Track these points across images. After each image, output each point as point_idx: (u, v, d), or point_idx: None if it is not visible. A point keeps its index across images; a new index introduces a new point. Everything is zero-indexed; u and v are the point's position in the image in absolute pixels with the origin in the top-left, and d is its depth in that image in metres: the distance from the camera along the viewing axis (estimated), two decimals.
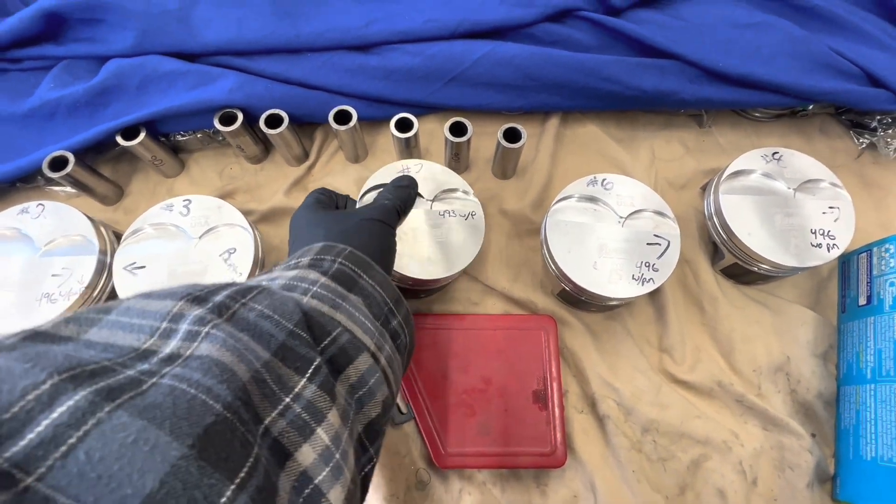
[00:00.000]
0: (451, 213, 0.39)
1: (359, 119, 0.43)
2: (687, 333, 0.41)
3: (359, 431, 0.20)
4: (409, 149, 0.44)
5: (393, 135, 0.43)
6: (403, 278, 0.37)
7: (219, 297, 0.18)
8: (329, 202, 0.33)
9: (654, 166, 0.47)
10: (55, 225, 0.38)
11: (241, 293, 0.18)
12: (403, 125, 0.42)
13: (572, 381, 0.40)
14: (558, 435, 0.37)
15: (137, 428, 0.12)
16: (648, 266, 0.37)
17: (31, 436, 0.11)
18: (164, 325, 0.16)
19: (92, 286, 0.37)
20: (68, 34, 0.46)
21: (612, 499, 0.36)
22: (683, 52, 0.43)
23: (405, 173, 0.35)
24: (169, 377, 0.14)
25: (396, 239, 0.31)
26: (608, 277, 0.36)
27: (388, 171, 0.40)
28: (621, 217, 0.38)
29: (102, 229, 0.39)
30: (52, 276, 0.36)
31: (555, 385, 0.39)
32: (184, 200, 0.39)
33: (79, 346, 0.14)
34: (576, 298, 0.40)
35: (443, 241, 0.38)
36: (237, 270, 0.37)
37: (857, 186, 0.47)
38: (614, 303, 0.38)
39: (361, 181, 0.45)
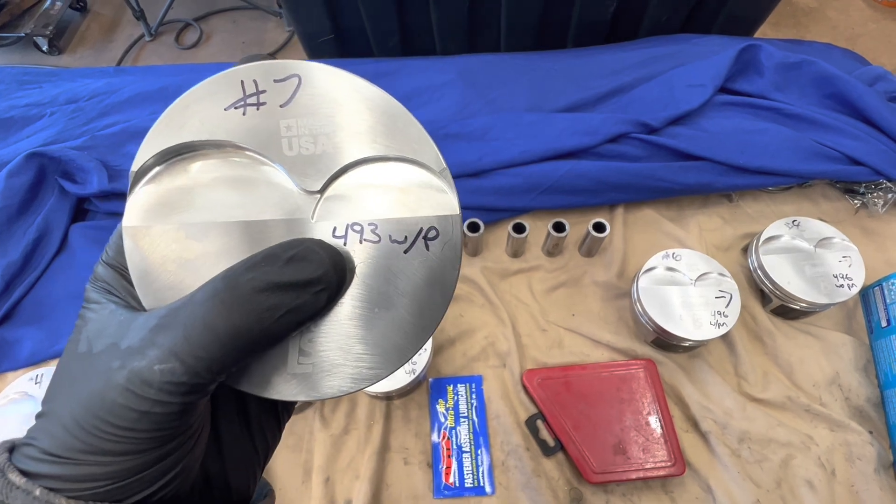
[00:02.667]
0: (373, 233, 0.18)
1: None
2: (755, 362, 0.54)
3: None
4: (519, 244, 0.60)
5: (510, 235, 0.58)
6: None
7: None
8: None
9: (702, 236, 0.62)
10: None
11: None
12: (519, 229, 0.58)
13: (675, 407, 0.53)
14: (675, 450, 0.49)
15: None
16: (720, 314, 0.50)
17: None
18: None
19: None
20: None
21: (727, 496, 0.47)
22: (711, 155, 0.59)
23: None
24: None
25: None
26: (693, 325, 0.50)
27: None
28: (692, 279, 0.53)
29: None
30: None
31: (664, 411, 0.51)
32: None
33: None
34: (667, 344, 0.53)
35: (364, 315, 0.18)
36: (424, 346, 0.51)
37: (860, 235, 0.61)
38: (692, 343, 0.51)
39: (485, 269, 0.60)
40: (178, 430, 0.15)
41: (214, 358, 0.14)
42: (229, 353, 0.15)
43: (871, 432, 0.50)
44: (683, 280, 0.52)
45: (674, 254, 0.54)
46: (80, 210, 0.66)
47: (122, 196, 0.63)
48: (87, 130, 0.69)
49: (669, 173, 0.59)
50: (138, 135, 0.67)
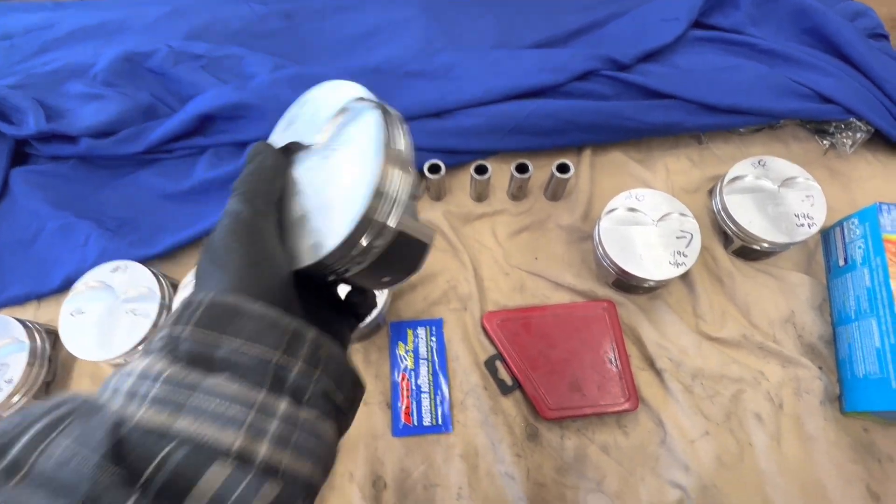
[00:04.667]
0: (342, 143, 0.24)
1: None
2: (714, 302, 0.54)
3: None
4: (483, 187, 0.58)
5: (472, 177, 0.56)
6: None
7: (16, 449, 0.16)
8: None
9: (669, 178, 0.61)
10: None
11: (49, 428, 0.16)
12: (481, 170, 0.56)
13: (632, 347, 0.53)
14: (630, 387, 0.50)
15: None
16: (680, 254, 0.50)
17: None
18: None
19: None
20: (214, 128, 0.61)
21: (677, 428, 0.49)
22: (681, 93, 0.57)
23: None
24: None
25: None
26: (652, 265, 0.49)
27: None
28: (654, 220, 0.52)
29: None
30: None
31: (621, 350, 0.52)
32: None
33: None
34: (627, 285, 0.53)
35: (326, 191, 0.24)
36: (382, 290, 0.50)
37: (827, 177, 0.60)
38: (653, 284, 0.51)
39: (448, 213, 0.59)
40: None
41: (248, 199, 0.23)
42: (250, 196, 0.24)
43: (820, 368, 0.51)
44: (645, 220, 0.52)
45: (636, 194, 0.53)
46: (22, 154, 0.62)
47: (63, 138, 0.59)
48: (23, 68, 0.65)
49: (637, 112, 0.57)
50: (79, 72, 0.63)
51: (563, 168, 0.56)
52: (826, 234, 0.56)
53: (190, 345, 0.19)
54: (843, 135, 0.59)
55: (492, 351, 0.53)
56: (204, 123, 0.60)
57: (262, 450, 0.18)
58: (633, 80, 0.58)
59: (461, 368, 0.52)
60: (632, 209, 0.52)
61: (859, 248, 0.50)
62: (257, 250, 0.22)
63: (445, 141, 0.59)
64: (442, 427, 0.50)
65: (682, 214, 0.52)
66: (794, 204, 0.52)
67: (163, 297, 0.51)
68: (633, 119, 0.58)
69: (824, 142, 0.61)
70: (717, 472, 0.47)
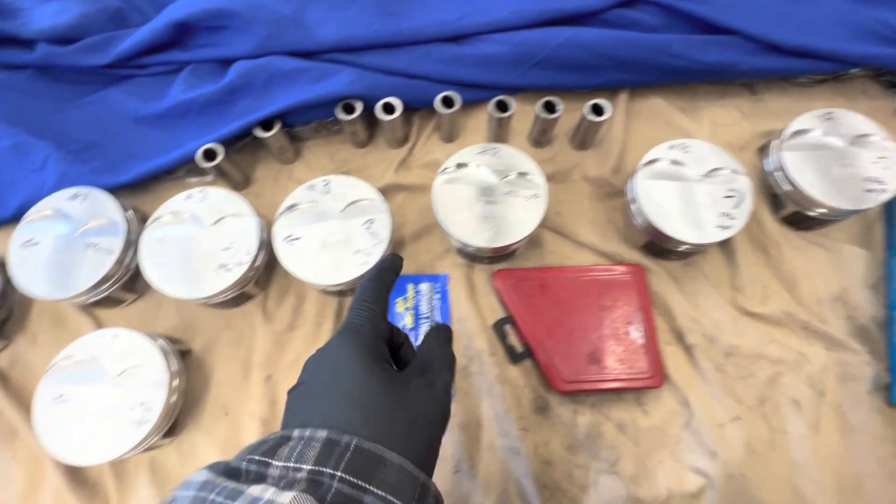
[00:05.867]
0: (515, 193, 0.42)
1: None
2: (755, 274, 0.48)
3: None
4: (502, 128, 0.51)
5: (491, 115, 0.49)
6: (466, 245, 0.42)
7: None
8: (376, 350, 0.25)
9: (714, 131, 0.53)
10: (219, 206, 0.44)
11: None
12: (502, 106, 0.48)
13: (661, 319, 0.47)
14: (655, 362, 0.44)
15: None
16: (727, 216, 0.43)
17: None
18: None
19: (255, 257, 0.43)
20: (194, 41, 0.52)
21: (704, 411, 0.43)
22: (742, 27, 0.49)
23: (487, 151, 0.44)
24: None
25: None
26: (694, 226, 0.43)
27: (473, 150, 0.44)
28: (700, 175, 0.45)
29: (255, 208, 0.46)
30: (224, 249, 0.43)
31: (647, 321, 0.46)
32: (323, 181, 0.45)
33: None
34: (660, 248, 0.46)
35: (502, 217, 0.42)
36: (378, 237, 0.43)
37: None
38: (688, 248, 0.45)
39: None
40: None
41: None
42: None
43: (871, 353, 0.45)
44: (689, 175, 0.44)
45: (682, 145, 0.45)
46: None
47: (15, 43, 0.51)
48: None
49: (687, 48, 0.49)
50: None
51: (597, 109, 0.48)
52: (891, 204, 0.49)
53: (340, 489, 0.20)
54: None
55: (502, 313, 0.47)
56: (182, 35, 0.52)
57: None
58: (687, 8, 0.49)
59: (466, 331, 0.47)
60: (675, 161, 0.45)
61: None
62: (397, 390, 0.24)
63: (461, 72, 0.51)
64: None
65: (734, 171, 0.44)
66: (864, 165, 0.45)
67: (129, 231, 0.44)
68: (682, 56, 0.49)
69: None
70: (745, 461, 0.42)
